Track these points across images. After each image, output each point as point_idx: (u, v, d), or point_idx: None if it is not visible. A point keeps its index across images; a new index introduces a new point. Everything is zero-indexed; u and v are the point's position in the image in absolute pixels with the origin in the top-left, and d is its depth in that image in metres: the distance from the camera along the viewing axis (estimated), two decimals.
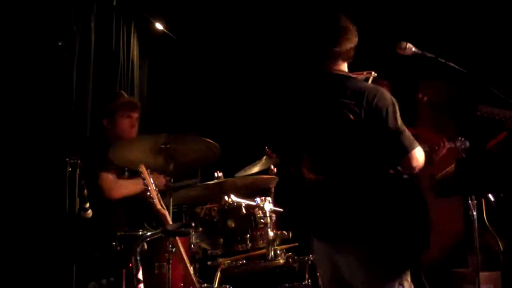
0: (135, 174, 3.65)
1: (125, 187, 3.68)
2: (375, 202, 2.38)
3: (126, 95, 4.10)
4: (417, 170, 2.44)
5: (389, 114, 2.38)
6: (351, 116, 2.37)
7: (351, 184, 2.42)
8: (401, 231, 2.37)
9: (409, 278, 2.42)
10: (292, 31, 2.81)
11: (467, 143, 4.29)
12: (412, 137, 2.43)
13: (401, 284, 2.39)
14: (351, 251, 2.41)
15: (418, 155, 2.41)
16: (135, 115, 3.87)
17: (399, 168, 2.44)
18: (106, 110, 3.84)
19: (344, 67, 2.55)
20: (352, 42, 2.51)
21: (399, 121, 2.41)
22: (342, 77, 2.52)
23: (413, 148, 2.40)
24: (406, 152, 2.39)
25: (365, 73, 2.81)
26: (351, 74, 2.57)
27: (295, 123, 2.61)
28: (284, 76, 2.73)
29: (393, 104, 2.42)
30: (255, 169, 4.06)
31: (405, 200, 2.41)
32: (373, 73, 2.86)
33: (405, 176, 2.45)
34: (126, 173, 3.84)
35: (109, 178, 3.61)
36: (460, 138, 4.31)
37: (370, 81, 2.79)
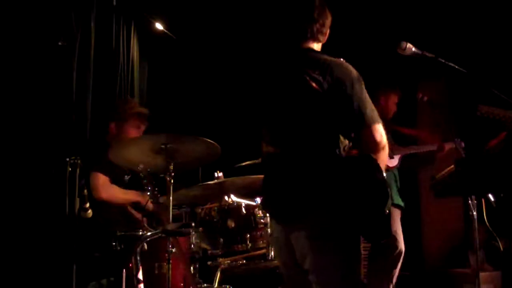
0: (135, 179, 3.65)
1: (115, 192, 3.68)
2: (331, 180, 2.28)
3: (137, 103, 4.09)
4: (380, 146, 2.33)
5: (354, 85, 2.33)
6: (313, 84, 2.32)
7: (308, 158, 2.33)
8: (356, 213, 2.27)
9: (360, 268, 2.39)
10: (276, 13, 2.82)
11: (462, 144, 4.34)
12: (376, 112, 2.37)
13: (351, 271, 2.33)
14: (303, 230, 2.32)
15: (381, 130, 2.35)
16: (143, 127, 3.89)
17: (360, 142, 2.37)
18: (117, 115, 3.84)
19: (315, 46, 2.54)
20: (324, 22, 2.53)
21: (364, 93, 2.36)
22: (308, 50, 2.50)
23: (377, 122, 2.33)
24: (369, 125, 2.32)
25: None
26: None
27: (260, 97, 2.57)
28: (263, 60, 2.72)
29: (358, 77, 2.37)
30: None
31: (364, 183, 2.28)
32: None
33: (371, 156, 2.33)
34: (127, 177, 3.84)
35: (99, 178, 3.61)
36: (456, 139, 4.35)
37: None
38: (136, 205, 3.77)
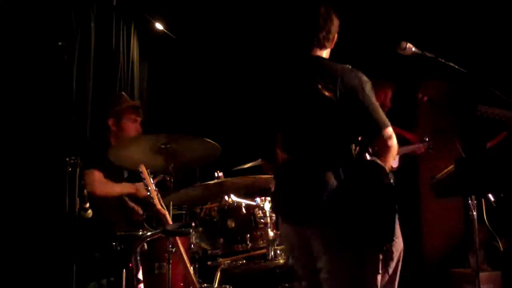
0: (134, 174, 3.65)
1: (109, 187, 3.69)
2: (345, 185, 2.35)
3: (128, 98, 4.14)
4: (391, 150, 2.43)
5: (365, 92, 2.40)
6: (326, 93, 2.38)
7: (322, 163, 2.39)
8: (368, 218, 2.34)
9: (377, 269, 2.43)
10: (281, 21, 2.85)
11: (431, 143, 4.50)
12: (384, 115, 2.44)
13: (364, 273, 2.38)
14: (318, 233, 2.38)
15: (392, 133, 2.43)
16: (140, 119, 3.94)
17: (372, 148, 2.45)
18: (112, 112, 3.88)
19: (323, 53, 2.59)
20: (330, 29, 2.56)
21: (374, 98, 2.43)
22: (319, 58, 2.56)
23: (388, 125, 2.42)
24: (381, 129, 2.40)
25: None
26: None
27: (272, 104, 2.61)
28: (270, 65, 2.75)
29: (368, 82, 2.44)
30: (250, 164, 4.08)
31: (376, 188, 2.37)
32: None
33: (377, 162, 2.41)
34: (125, 174, 3.85)
35: (94, 174, 3.62)
36: (425, 138, 4.50)
37: None
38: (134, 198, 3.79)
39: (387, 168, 2.43)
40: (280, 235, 2.67)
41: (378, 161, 2.41)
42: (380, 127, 2.41)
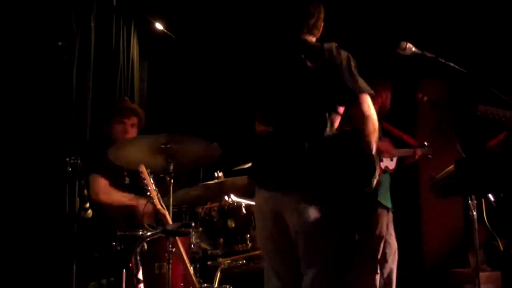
0: (135, 178, 3.64)
1: (114, 196, 3.68)
2: (326, 151, 2.38)
3: (127, 101, 4.13)
4: (367, 119, 2.39)
5: (344, 62, 2.43)
6: (309, 64, 2.43)
7: (302, 132, 2.41)
8: (350, 184, 2.37)
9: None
10: (275, 14, 2.90)
11: (431, 150, 4.54)
12: (365, 84, 2.44)
13: (347, 239, 2.39)
14: (300, 199, 2.38)
15: (369, 101, 2.41)
16: (129, 121, 3.88)
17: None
18: (105, 116, 3.91)
19: (310, 38, 2.64)
20: (319, 16, 2.64)
21: (355, 70, 2.44)
22: (306, 40, 2.61)
23: (365, 92, 2.41)
24: (357, 96, 2.39)
25: None
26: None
27: (255, 78, 2.68)
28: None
29: (349, 56, 2.47)
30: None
31: (355, 157, 2.39)
32: None
33: (353, 132, 2.43)
34: (127, 179, 3.84)
35: (99, 181, 3.62)
36: (425, 143, 4.52)
37: None
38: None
39: (368, 140, 2.40)
40: (255, 207, 2.66)
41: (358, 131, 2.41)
42: (357, 93, 2.40)
